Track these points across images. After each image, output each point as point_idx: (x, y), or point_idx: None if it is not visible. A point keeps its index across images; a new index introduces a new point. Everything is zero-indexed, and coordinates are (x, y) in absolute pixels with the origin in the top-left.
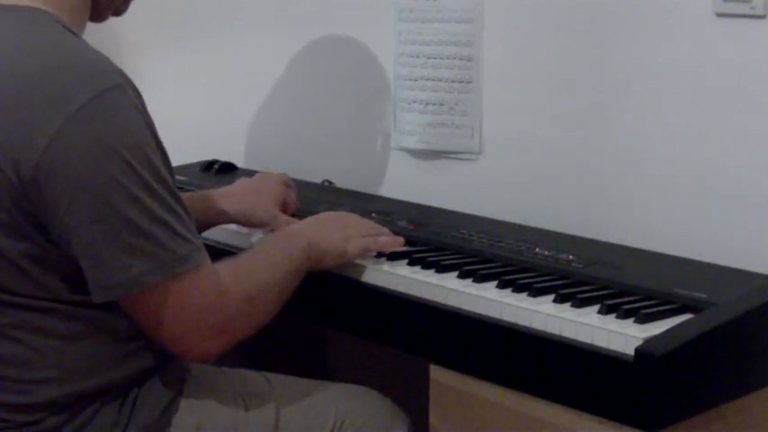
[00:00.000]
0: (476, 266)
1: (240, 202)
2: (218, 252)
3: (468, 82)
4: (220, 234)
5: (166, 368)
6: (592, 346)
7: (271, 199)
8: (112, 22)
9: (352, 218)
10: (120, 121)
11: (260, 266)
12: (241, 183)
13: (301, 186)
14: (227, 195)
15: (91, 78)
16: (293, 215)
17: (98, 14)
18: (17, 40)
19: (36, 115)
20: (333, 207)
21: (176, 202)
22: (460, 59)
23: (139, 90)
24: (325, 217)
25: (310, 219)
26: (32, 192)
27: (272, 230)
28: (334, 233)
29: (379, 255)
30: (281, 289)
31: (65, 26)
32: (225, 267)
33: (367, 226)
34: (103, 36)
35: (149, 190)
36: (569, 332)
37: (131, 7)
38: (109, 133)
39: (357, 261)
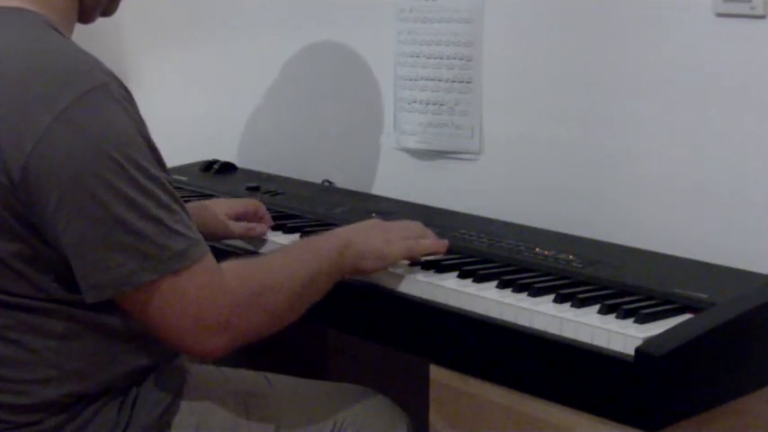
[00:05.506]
0: (476, 266)
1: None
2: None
3: (468, 82)
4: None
5: (166, 368)
6: (592, 346)
7: (219, 210)
8: (113, 22)
9: (395, 222)
10: (107, 120)
11: (272, 266)
12: (201, 201)
13: (301, 186)
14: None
15: (76, 78)
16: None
17: (86, 15)
18: (5, 41)
19: (23, 117)
20: (332, 207)
21: (171, 199)
22: (460, 59)
23: (129, 89)
24: (366, 223)
25: (350, 225)
26: (22, 193)
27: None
28: (375, 236)
29: (421, 264)
30: (297, 290)
31: (53, 27)
32: (230, 265)
33: (409, 229)
34: (104, 36)
35: (139, 187)
36: (569, 332)
37: (132, 7)
38: (95, 132)
39: None
